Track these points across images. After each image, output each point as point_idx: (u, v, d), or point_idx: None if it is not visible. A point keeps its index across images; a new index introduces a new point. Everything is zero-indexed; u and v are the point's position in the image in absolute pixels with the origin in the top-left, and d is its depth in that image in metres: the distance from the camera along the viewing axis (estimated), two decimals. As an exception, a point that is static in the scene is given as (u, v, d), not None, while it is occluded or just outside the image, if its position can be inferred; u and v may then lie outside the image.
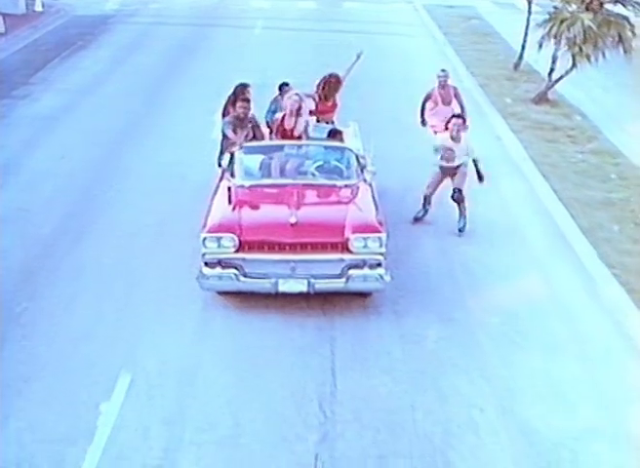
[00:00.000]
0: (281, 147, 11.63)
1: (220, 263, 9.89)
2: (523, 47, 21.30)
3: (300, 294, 10.01)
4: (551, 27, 17.33)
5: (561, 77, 18.35)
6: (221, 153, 12.20)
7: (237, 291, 10.06)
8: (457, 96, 14.24)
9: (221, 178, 11.27)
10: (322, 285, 9.92)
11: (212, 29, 27.35)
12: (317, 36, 26.31)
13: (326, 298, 10.24)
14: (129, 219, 12.50)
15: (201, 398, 8.57)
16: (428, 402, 8.55)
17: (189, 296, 10.27)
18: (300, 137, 11.89)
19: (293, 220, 9.92)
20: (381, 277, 9.95)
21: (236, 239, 9.83)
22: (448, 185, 12.36)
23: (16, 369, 8.92)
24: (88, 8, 30.42)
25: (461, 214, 12.19)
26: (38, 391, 8.59)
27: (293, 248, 9.85)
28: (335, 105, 13.45)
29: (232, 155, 11.50)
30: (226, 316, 10.07)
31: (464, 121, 12.34)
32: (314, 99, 13.30)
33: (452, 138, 11.93)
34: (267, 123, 12.70)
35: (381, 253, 9.92)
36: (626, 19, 17.20)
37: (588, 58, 17.14)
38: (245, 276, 9.89)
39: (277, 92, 13.20)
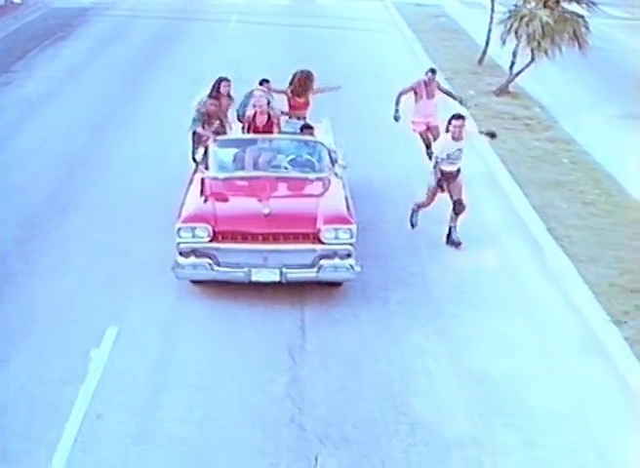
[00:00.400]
0: (254, 141, 11.90)
1: (194, 253, 10.10)
2: (487, 43, 22.33)
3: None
4: (512, 24, 18.40)
5: (521, 70, 19.41)
6: (195, 148, 12.49)
7: (211, 280, 10.30)
8: (440, 87, 14.69)
9: (196, 171, 11.57)
10: (294, 274, 10.14)
11: (187, 23, 28.16)
12: (291, 31, 27.23)
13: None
14: (112, 196, 13.30)
15: (182, 348, 9.43)
16: (390, 354, 9.43)
17: (172, 262, 11.07)
18: (271, 132, 12.21)
19: (266, 211, 10.16)
20: (352, 267, 10.20)
21: (210, 229, 10.05)
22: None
23: (11, 323, 9.73)
24: (65, 0, 31.08)
25: (454, 225, 12.05)
26: (33, 341, 9.40)
27: (265, 238, 10.09)
28: (307, 102, 13.60)
29: (206, 149, 11.84)
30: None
31: (464, 120, 11.93)
32: (287, 95, 13.56)
33: (453, 139, 11.68)
34: (238, 116, 13.03)
35: (352, 244, 10.17)
36: (581, 16, 18.30)
37: (546, 52, 18.22)
38: (219, 265, 10.09)
39: (257, 86, 13.30)
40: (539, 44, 18.10)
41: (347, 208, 10.63)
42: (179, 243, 10.13)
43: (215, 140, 11.92)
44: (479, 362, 9.33)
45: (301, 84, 13.46)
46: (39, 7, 30.09)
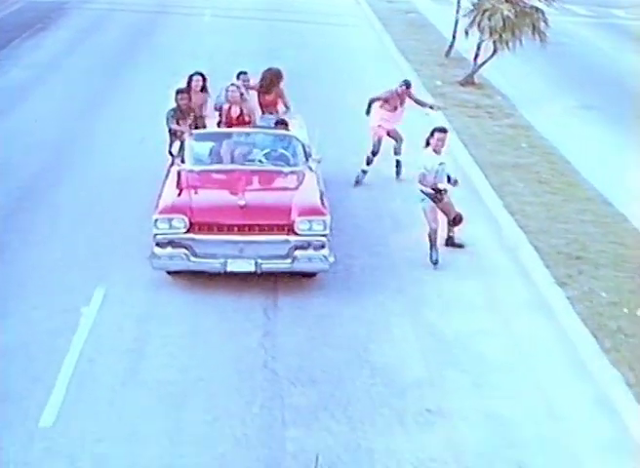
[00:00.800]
0: (230, 135, 12.08)
1: (171, 243, 10.23)
2: (453, 37, 23.34)
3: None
4: (475, 17, 19.40)
5: (484, 62, 20.43)
6: (171, 142, 12.69)
7: (187, 270, 10.50)
8: (412, 96, 14.42)
9: (172, 164, 11.74)
10: (269, 265, 10.32)
11: (163, 16, 28.96)
12: (265, 25, 28.13)
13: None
14: (97, 172, 14.17)
15: (165, 306, 10.28)
16: (354, 311, 10.33)
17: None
18: (248, 124, 12.51)
19: (241, 203, 10.34)
20: (326, 258, 10.40)
21: (187, 220, 10.20)
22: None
23: (6, 285, 10.52)
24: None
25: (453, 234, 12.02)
26: (27, 300, 10.21)
27: (241, 229, 10.26)
28: (276, 99, 13.70)
29: (182, 142, 12.06)
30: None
31: (447, 133, 11.72)
32: (257, 92, 13.64)
33: (435, 152, 11.44)
34: (216, 109, 13.14)
35: (325, 235, 10.39)
36: (541, 10, 19.35)
37: (507, 44, 19.27)
38: (195, 256, 10.25)
39: (235, 79, 13.43)
40: (500, 37, 19.14)
41: (321, 200, 10.86)
42: (155, 234, 10.27)
43: (191, 134, 12.12)
44: (436, 318, 10.26)
45: (269, 82, 13.62)
46: (17, 0, 30.68)
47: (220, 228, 10.30)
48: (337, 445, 7.96)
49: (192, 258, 10.28)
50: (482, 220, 13.16)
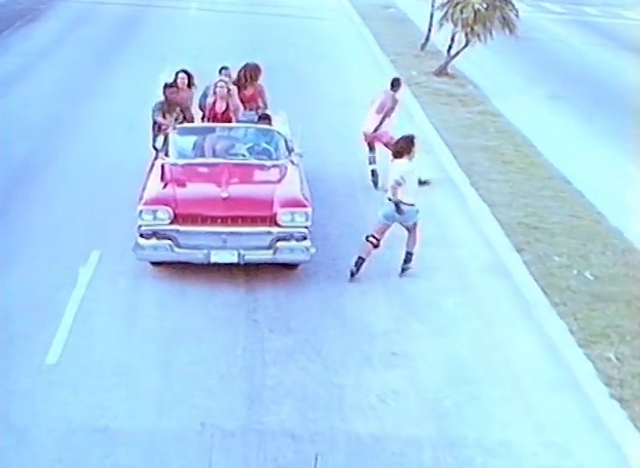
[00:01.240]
0: (213, 129, 12.33)
1: (155, 235, 10.43)
2: (429, 30, 24.40)
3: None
4: (447, 10, 20.46)
5: (457, 53, 21.50)
6: (155, 136, 12.88)
7: (171, 261, 10.73)
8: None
9: (156, 158, 11.93)
10: (251, 256, 10.54)
11: (149, 9, 29.86)
12: (249, 18, 29.10)
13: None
14: (89, 152, 15.08)
15: (157, 267, 11.15)
16: (328, 272, 11.26)
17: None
18: (230, 120, 12.72)
19: (224, 195, 10.53)
20: (307, 249, 10.63)
21: (171, 211, 10.39)
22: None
23: (7, 248, 11.41)
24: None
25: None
26: (28, 261, 11.12)
27: (224, 221, 10.45)
28: (256, 93, 13.75)
29: (166, 136, 12.24)
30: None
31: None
32: (236, 87, 13.55)
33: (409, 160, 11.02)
34: (200, 106, 13.49)
35: (307, 227, 10.61)
36: (511, 3, 20.43)
37: (478, 36, 20.34)
38: (179, 247, 10.43)
39: (217, 75, 13.56)
40: (472, 29, 20.18)
41: (303, 192, 11.11)
42: (140, 225, 10.48)
43: (174, 128, 12.35)
44: (403, 281, 11.22)
45: (247, 77, 13.68)
46: (5, -9, 31.48)
47: (204, 220, 10.50)
48: (312, 381, 8.94)
49: (176, 249, 10.48)
50: (449, 194, 14.18)
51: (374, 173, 14.15)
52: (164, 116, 12.84)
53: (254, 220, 10.54)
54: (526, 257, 11.68)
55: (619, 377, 8.98)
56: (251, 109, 13.60)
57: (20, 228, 12.03)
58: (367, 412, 8.50)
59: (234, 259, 10.54)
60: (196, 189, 11.25)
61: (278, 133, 12.42)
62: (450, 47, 21.77)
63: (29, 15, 27.28)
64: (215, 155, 11.81)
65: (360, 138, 14.41)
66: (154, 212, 10.44)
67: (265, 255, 10.59)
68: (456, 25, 20.67)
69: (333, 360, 9.33)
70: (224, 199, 10.56)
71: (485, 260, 11.93)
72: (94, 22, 26.99)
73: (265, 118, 12.95)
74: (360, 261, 11.03)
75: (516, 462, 7.92)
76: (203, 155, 11.86)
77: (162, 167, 11.56)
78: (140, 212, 10.49)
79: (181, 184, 11.13)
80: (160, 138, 12.46)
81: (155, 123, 13.01)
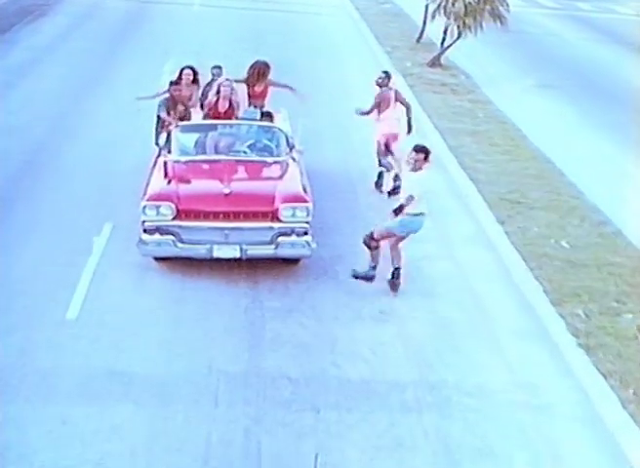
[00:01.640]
0: (215, 126, 12.44)
1: (158, 230, 10.62)
2: (424, 23, 25.29)
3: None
4: (440, 3, 21.37)
5: (450, 45, 22.41)
6: (158, 133, 13.16)
7: (174, 256, 10.92)
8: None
9: (159, 155, 12.14)
10: (253, 251, 10.72)
11: (153, 5, 30.67)
12: (250, 14, 29.98)
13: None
14: (99, 135, 15.96)
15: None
16: (324, 239, 12.08)
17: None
18: (231, 118, 12.82)
19: (226, 191, 10.73)
20: (308, 244, 10.83)
21: (174, 207, 10.57)
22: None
23: (26, 222, 12.33)
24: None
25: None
26: (46, 232, 12.02)
27: (226, 216, 10.62)
28: (265, 91, 14.06)
29: (169, 134, 12.37)
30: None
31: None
32: (245, 85, 13.96)
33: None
34: (201, 104, 13.63)
35: (308, 222, 10.80)
36: (500, -5, 21.40)
37: (470, 28, 21.24)
38: (182, 242, 10.63)
39: (209, 75, 14.03)
40: (463, 22, 21.08)
41: (304, 188, 11.29)
42: (143, 221, 10.66)
43: (177, 126, 12.49)
44: (395, 248, 12.13)
45: (257, 74, 13.94)
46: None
47: (206, 215, 10.67)
48: (307, 334, 9.87)
49: (179, 245, 10.67)
50: (437, 173, 14.88)
51: (381, 175, 14.28)
52: (168, 113, 13.16)
53: (255, 216, 10.75)
54: (507, 229, 12.59)
55: (585, 330, 9.92)
56: (255, 106, 13.84)
57: (35, 205, 12.90)
58: (357, 360, 9.43)
59: (236, 254, 10.77)
60: (199, 185, 11.41)
61: (279, 129, 12.64)
62: (443, 39, 22.68)
63: (38, 10, 28.16)
64: (217, 152, 12.02)
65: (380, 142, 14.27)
66: (157, 207, 10.67)
67: (267, 250, 10.80)
68: (448, 18, 21.57)
69: (326, 316, 10.27)
70: (226, 195, 10.77)
71: (469, 231, 12.85)
72: (100, 18, 27.88)
73: (267, 115, 13.36)
74: (396, 271, 10.93)
75: (489, 400, 8.84)
76: (205, 152, 12.07)
77: (165, 164, 11.78)
78: (144, 207, 10.70)
79: (184, 181, 11.35)
80: (163, 136, 12.72)
81: (159, 119, 13.40)
